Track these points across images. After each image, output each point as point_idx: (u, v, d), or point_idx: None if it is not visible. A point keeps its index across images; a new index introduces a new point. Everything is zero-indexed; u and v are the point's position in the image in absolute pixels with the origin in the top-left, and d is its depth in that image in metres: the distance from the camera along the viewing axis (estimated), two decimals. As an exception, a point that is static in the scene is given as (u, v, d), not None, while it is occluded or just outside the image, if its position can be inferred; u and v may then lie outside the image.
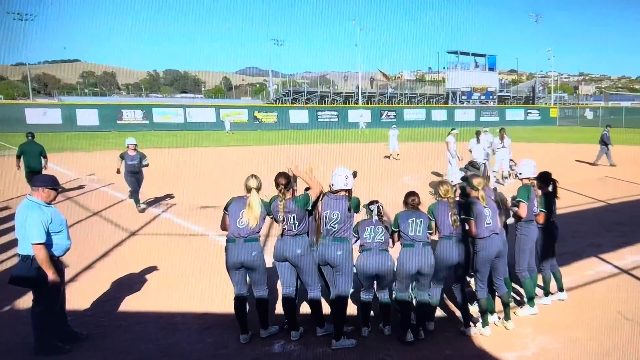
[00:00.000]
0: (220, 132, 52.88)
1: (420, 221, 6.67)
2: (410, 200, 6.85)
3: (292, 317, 6.89)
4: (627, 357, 6.27)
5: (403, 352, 6.44)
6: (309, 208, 6.63)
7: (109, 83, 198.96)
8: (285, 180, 6.63)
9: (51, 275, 6.08)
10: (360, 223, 6.79)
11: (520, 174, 7.72)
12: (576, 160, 26.41)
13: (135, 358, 6.39)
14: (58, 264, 6.34)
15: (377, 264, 6.59)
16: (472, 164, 8.25)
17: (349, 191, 6.66)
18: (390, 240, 6.85)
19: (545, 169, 8.15)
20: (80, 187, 18.76)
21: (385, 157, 28.35)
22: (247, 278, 6.89)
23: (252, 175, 6.78)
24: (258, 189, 6.67)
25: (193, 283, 8.93)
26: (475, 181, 6.97)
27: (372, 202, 6.82)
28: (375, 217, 6.72)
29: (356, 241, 6.77)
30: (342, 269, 6.54)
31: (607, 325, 7.19)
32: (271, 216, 6.77)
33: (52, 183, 6.40)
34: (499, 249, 6.91)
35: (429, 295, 6.95)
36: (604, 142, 24.80)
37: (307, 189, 6.76)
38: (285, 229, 6.63)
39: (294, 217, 6.56)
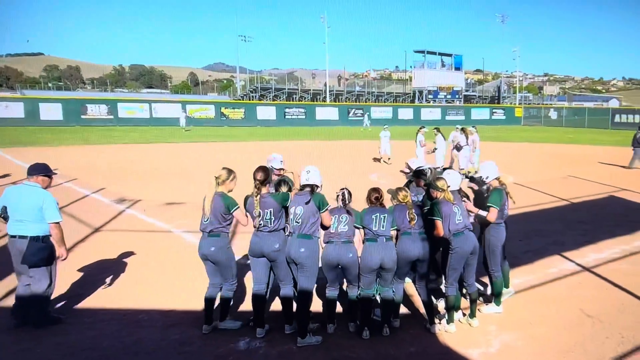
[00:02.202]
0: (187, 127, 52.40)
1: (385, 216, 6.71)
2: (374, 197, 6.87)
3: (260, 314, 6.87)
4: (588, 354, 6.36)
5: (367, 349, 6.45)
6: (287, 205, 6.71)
7: (74, 77, 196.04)
8: (262, 176, 6.72)
9: (64, 251, 6.88)
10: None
11: (487, 177, 7.71)
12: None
13: (99, 355, 6.29)
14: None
15: (338, 255, 6.61)
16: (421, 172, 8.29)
17: (313, 187, 6.68)
18: (357, 232, 6.85)
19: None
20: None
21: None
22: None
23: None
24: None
25: (157, 280, 8.86)
26: (440, 182, 7.03)
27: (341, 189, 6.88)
28: (340, 204, 6.75)
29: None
30: (304, 267, 6.52)
31: (570, 322, 7.29)
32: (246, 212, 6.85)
33: (46, 171, 6.97)
34: (474, 245, 6.97)
35: (393, 291, 7.00)
36: (638, 143, 23.71)
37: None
38: (261, 224, 6.68)
39: (270, 212, 6.64)
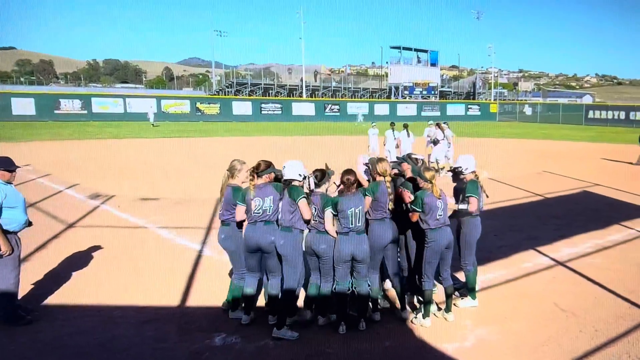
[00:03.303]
0: (160, 122, 52.00)
1: (359, 209, 6.65)
2: (346, 178, 6.74)
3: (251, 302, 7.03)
4: (562, 347, 6.43)
5: (343, 344, 6.45)
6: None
7: (46, 72, 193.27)
8: (264, 165, 6.82)
9: (3, 246, 6.53)
10: None
11: (466, 169, 7.68)
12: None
13: (73, 352, 6.24)
14: (14, 239, 6.79)
15: (312, 244, 6.72)
16: (409, 157, 8.17)
17: (285, 180, 6.71)
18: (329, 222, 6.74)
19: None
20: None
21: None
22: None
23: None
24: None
25: (132, 276, 8.78)
26: (428, 174, 6.99)
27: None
28: (306, 190, 6.73)
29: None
30: (286, 259, 6.59)
31: (544, 316, 7.36)
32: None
33: (6, 165, 6.86)
34: (449, 240, 6.99)
35: (369, 285, 6.99)
36: None
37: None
38: (258, 214, 6.71)
39: (270, 199, 6.71)
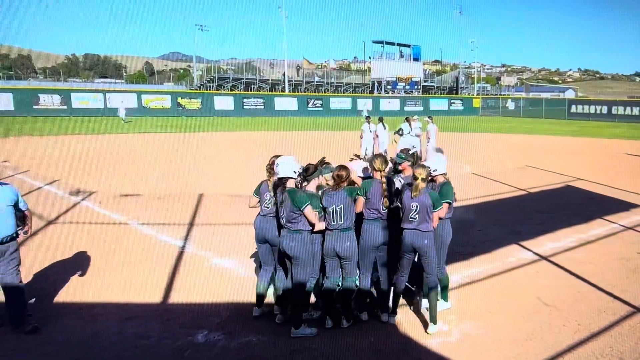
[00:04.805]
0: (142, 118, 51.61)
1: (340, 208, 6.56)
2: (336, 174, 6.67)
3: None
4: (545, 342, 6.45)
5: (328, 339, 6.42)
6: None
7: (25, 67, 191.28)
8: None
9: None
10: None
11: (435, 170, 7.43)
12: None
13: (54, 350, 6.17)
14: None
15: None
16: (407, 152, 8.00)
17: (280, 179, 6.63)
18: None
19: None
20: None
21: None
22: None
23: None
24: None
25: (113, 272, 8.70)
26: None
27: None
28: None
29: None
30: (296, 261, 6.54)
31: (527, 310, 7.39)
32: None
33: None
34: (417, 245, 6.73)
35: (357, 285, 6.98)
36: None
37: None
38: (267, 208, 6.86)
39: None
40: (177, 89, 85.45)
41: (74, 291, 7.92)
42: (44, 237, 10.80)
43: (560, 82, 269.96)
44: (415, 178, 6.54)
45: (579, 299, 7.81)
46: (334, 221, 6.58)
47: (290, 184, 6.52)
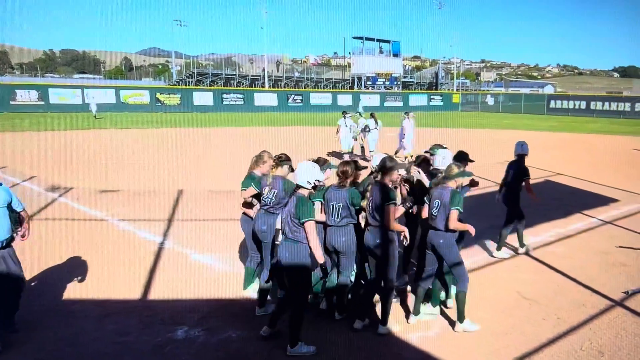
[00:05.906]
0: (120, 114, 51.23)
1: (339, 206, 6.57)
2: (341, 170, 6.66)
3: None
4: (525, 335, 6.50)
5: (308, 335, 6.26)
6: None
7: (1, 62, 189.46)
8: (285, 157, 7.00)
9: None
10: None
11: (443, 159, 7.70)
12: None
13: (34, 348, 6.10)
14: None
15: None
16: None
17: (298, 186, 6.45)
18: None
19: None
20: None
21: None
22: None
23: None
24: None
25: (91, 269, 8.61)
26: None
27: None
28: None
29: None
30: (289, 275, 6.11)
31: (507, 304, 7.45)
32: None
33: None
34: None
35: (351, 281, 7.00)
36: None
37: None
38: (265, 202, 6.85)
39: (274, 193, 6.78)
40: (155, 85, 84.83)
41: (52, 288, 7.82)
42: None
43: (539, 77, 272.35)
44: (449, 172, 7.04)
45: (558, 292, 7.87)
46: (331, 217, 6.62)
47: (303, 191, 6.09)
